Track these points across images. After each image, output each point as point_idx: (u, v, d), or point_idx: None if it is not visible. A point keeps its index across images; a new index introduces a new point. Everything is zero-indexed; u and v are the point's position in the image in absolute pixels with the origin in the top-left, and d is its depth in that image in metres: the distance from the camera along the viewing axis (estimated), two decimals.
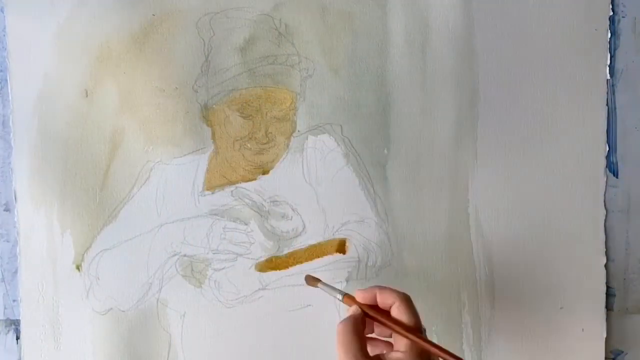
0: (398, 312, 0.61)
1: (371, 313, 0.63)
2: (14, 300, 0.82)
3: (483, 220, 0.80)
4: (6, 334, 0.82)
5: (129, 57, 0.79)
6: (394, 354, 0.60)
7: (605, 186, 0.79)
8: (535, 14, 0.78)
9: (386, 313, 0.63)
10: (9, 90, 0.79)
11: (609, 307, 0.80)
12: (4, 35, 0.79)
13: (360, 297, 0.64)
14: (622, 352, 0.81)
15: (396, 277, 0.80)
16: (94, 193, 0.80)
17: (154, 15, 0.78)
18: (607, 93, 0.79)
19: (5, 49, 0.79)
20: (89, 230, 0.80)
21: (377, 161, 0.79)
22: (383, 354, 0.61)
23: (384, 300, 0.63)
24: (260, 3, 0.78)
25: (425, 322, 0.80)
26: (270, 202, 0.79)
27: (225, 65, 0.78)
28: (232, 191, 0.80)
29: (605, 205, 0.79)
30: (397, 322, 0.61)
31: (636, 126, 0.80)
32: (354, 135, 0.79)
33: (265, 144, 0.79)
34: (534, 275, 0.80)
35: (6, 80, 0.79)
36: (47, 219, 0.80)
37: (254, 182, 0.80)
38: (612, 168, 0.80)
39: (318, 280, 0.72)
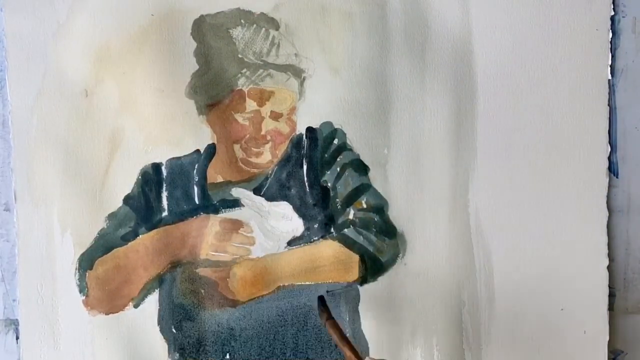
0: None
1: None
2: (13, 300, 0.82)
3: (483, 220, 0.80)
4: (6, 334, 0.82)
5: (129, 57, 0.78)
6: None
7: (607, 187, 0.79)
8: (535, 14, 0.78)
9: None
10: (8, 90, 0.79)
11: (609, 307, 0.80)
12: (3, 35, 0.79)
13: None
14: (623, 352, 0.81)
15: (396, 277, 0.80)
16: (94, 193, 0.80)
17: (152, 15, 0.78)
18: (609, 93, 0.79)
19: (4, 49, 0.79)
20: (89, 230, 0.80)
21: (377, 161, 0.79)
22: None
23: None
24: (260, 3, 0.78)
25: (425, 322, 0.80)
26: (270, 202, 0.79)
27: (224, 65, 0.78)
28: (232, 191, 0.80)
29: (607, 206, 0.79)
30: None
31: (636, 126, 0.80)
32: (354, 135, 0.79)
33: (265, 144, 0.79)
34: (534, 276, 0.80)
35: (5, 80, 0.79)
36: (47, 218, 0.80)
37: (253, 182, 0.80)
38: (612, 168, 0.80)
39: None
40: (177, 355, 0.80)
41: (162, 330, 0.80)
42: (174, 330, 0.80)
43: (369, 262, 0.79)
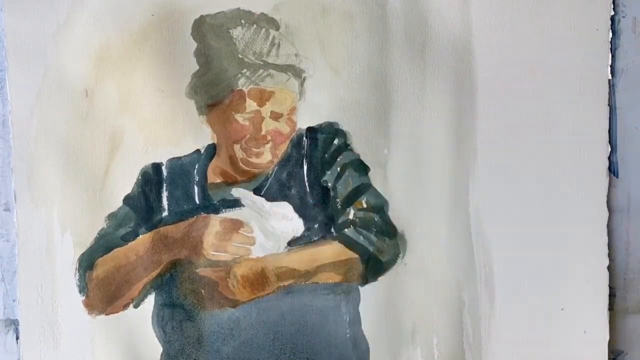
0: None
1: None
2: (13, 300, 0.82)
3: (483, 220, 0.80)
4: (6, 334, 0.82)
5: (129, 57, 0.78)
6: None
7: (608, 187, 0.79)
8: (535, 14, 0.78)
9: None
10: (8, 90, 0.79)
11: (609, 307, 0.80)
12: (3, 35, 0.79)
13: None
14: (623, 352, 0.81)
15: (397, 277, 0.80)
16: (94, 193, 0.80)
17: (153, 15, 0.78)
18: (609, 93, 0.79)
19: (4, 49, 0.79)
20: (89, 230, 0.80)
21: (377, 161, 0.79)
22: None
23: None
24: (260, 3, 0.78)
25: (425, 322, 0.80)
26: (271, 202, 0.79)
27: (224, 66, 0.78)
28: (232, 191, 0.80)
29: (607, 206, 0.79)
30: None
31: (636, 126, 0.80)
32: (354, 135, 0.79)
33: (265, 144, 0.79)
34: (534, 275, 0.80)
35: (5, 80, 0.79)
36: (47, 218, 0.80)
37: (254, 182, 0.80)
38: (612, 168, 0.80)
39: None
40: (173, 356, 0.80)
41: (155, 330, 0.80)
42: (169, 331, 0.80)
43: (369, 262, 0.79)
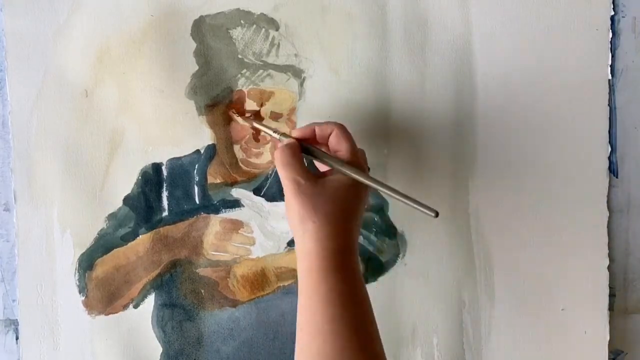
0: (336, 140, 0.68)
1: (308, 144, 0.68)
2: (13, 300, 0.82)
3: (483, 220, 0.80)
4: (6, 334, 0.82)
5: (129, 57, 0.78)
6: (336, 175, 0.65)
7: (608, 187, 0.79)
8: (535, 14, 0.78)
9: (324, 147, 0.69)
10: (8, 90, 0.79)
11: (609, 307, 0.80)
12: (3, 35, 0.79)
13: (297, 133, 0.69)
14: (622, 352, 0.81)
15: (396, 277, 0.80)
16: (94, 193, 0.80)
17: (152, 16, 0.78)
18: (609, 93, 0.79)
19: (4, 49, 0.79)
20: (88, 231, 0.80)
21: (377, 162, 0.79)
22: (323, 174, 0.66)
23: (322, 132, 0.69)
24: (260, 3, 0.78)
25: (425, 322, 0.80)
26: (270, 202, 0.79)
27: (224, 66, 0.78)
28: (232, 192, 0.80)
29: (607, 206, 0.79)
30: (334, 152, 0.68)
31: (636, 126, 0.80)
32: (354, 135, 0.79)
33: (265, 144, 0.79)
34: (535, 276, 0.80)
35: (5, 80, 0.79)
36: (47, 218, 0.80)
37: (254, 182, 0.80)
38: (612, 168, 0.80)
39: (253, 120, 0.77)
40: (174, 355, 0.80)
41: (155, 330, 0.80)
42: (169, 331, 0.80)
43: (369, 262, 0.79)
